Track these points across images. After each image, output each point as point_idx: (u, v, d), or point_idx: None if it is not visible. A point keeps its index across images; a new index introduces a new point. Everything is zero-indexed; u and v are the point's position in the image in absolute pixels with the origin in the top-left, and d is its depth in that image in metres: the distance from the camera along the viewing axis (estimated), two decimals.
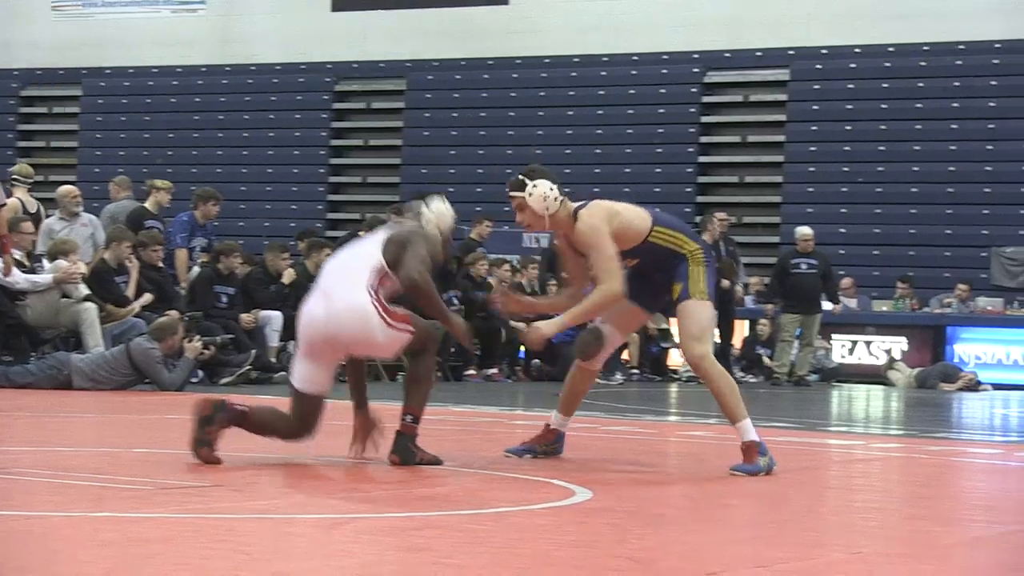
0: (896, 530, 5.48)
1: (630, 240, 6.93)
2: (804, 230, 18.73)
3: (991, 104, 23.13)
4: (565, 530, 5.03)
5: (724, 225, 18.55)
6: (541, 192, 6.86)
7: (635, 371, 17.94)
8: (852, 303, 21.12)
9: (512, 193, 6.96)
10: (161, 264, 14.10)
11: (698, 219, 22.88)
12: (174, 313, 13.14)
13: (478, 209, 20.54)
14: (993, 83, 23.24)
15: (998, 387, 19.11)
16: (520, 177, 6.96)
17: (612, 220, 6.86)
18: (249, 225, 24.50)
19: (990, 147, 22.90)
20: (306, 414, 6.61)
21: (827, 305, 18.58)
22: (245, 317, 14.23)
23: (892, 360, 19.91)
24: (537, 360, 17.48)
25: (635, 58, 25.46)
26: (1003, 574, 4.43)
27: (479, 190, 25.04)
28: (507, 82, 25.99)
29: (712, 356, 6.95)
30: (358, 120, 27.31)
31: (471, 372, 16.62)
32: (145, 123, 27.29)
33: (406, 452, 6.61)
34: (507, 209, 7.56)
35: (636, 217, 6.98)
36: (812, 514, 5.85)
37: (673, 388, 17.05)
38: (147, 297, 13.47)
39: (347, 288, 6.59)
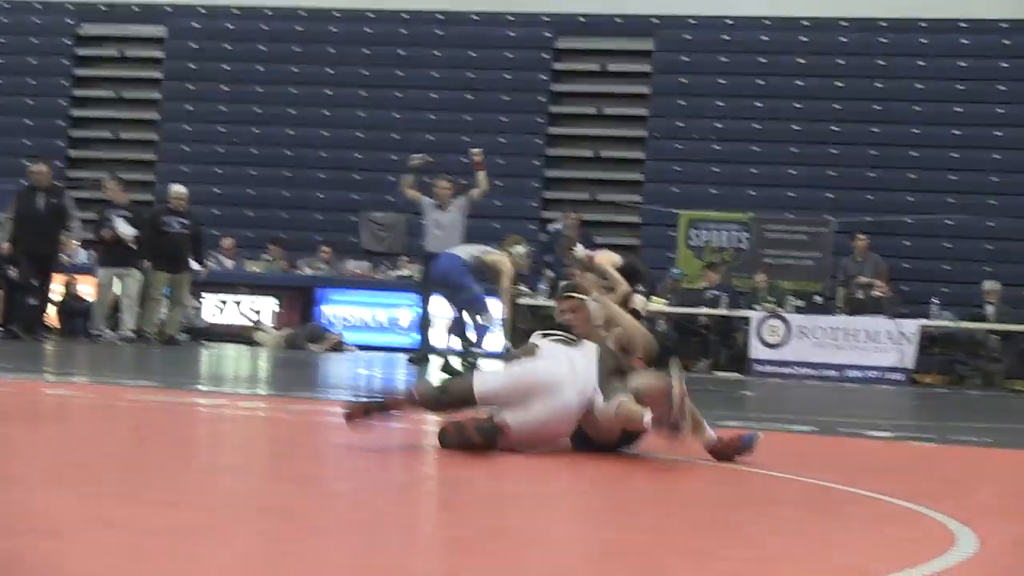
0: (253, 488, 5.51)
1: None
2: (177, 188, 18.61)
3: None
4: None
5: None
6: None
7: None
8: (230, 263, 21.20)
9: None
10: None
11: (76, 175, 22.39)
12: None
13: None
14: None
15: (364, 348, 19.68)
16: None
17: None
18: None
19: (361, 114, 23.48)
20: None
21: (196, 265, 18.55)
22: None
23: (258, 322, 20.16)
24: None
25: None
26: (354, 529, 4.52)
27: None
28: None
29: None
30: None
31: None
32: None
33: None
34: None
35: None
36: (170, 472, 5.78)
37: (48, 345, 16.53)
38: None
39: None
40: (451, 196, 16.64)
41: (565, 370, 6.74)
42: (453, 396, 6.83)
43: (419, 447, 7.27)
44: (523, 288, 18.50)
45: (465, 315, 14.58)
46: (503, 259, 14.52)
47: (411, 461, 6.74)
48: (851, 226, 20.78)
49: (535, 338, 7.13)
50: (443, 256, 14.76)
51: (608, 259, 14.32)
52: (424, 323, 16.55)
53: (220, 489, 5.36)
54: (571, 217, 19.62)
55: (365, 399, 6.75)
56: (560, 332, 7.10)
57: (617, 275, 13.98)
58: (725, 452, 6.70)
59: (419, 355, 16.20)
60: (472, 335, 14.69)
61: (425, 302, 16.44)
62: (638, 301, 14.29)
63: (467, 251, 14.70)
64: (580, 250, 14.38)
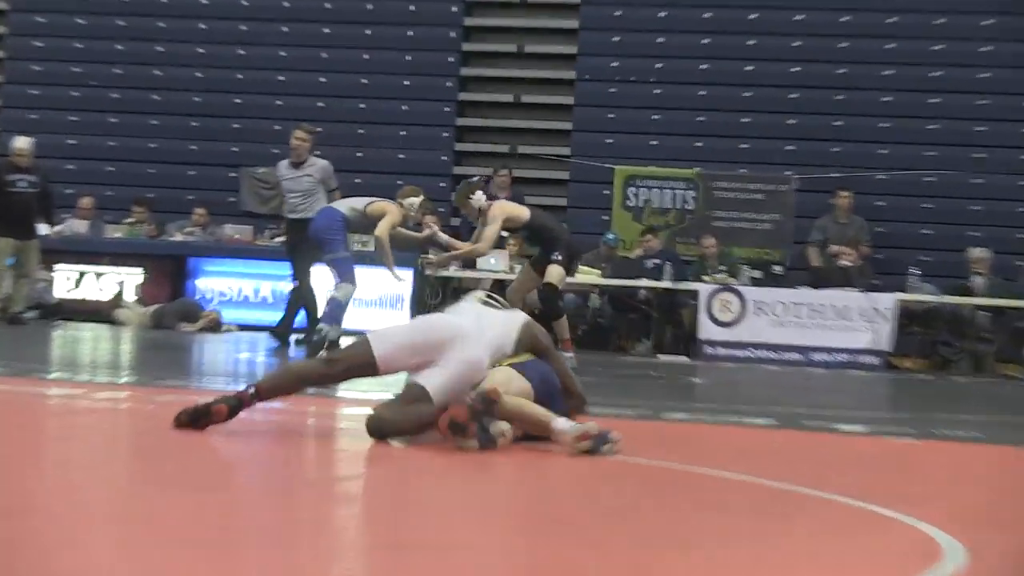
0: (111, 491, 5.45)
1: None
2: (20, 141, 18.37)
3: (240, 25, 23.56)
4: None
5: None
6: None
7: None
8: (86, 227, 20.87)
9: None
10: None
11: None
12: None
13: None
14: None
15: (245, 327, 19.52)
16: None
17: None
18: None
19: (242, 52, 23.29)
20: None
21: (44, 228, 18.33)
22: None
23: (119, 297, 19.95)
24: None
25: None
26: (229, 540, 4.48)
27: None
28: None
29: None
30: None
31: None
32: None
33: None
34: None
35: None
36: (15, 473, 5.70)
37: None
38: None
39: None
40: (309, 151, 16.35)
41: (468, 322, 6.83)
42: (349, 364, 6.90)
43: (303, 444, 7.21)
44: (432, 258, 18.40)
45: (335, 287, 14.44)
46: (389, 205, 14.43)
47: (295, 460, 6.68)
48: (814, 183, 20.87)
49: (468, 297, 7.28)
50: (321, 211, 14.73)
51: (503, 209, 14.28)
52: (307, 299, 16.44)
53: (73, 493, 5.28)
54: (501, 174, 19.57)
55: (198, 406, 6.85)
56: (495, 298, 7.25)
57: (496, 228, 14.00)
58: (584, 443, 6.74)
59: (307, 334, 16.06)
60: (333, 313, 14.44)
61: (297, 274, 16.33)
62: (554, 273, 14.26)
63: (348, 204, 14.64)
64: (477, 197, 14.33)
